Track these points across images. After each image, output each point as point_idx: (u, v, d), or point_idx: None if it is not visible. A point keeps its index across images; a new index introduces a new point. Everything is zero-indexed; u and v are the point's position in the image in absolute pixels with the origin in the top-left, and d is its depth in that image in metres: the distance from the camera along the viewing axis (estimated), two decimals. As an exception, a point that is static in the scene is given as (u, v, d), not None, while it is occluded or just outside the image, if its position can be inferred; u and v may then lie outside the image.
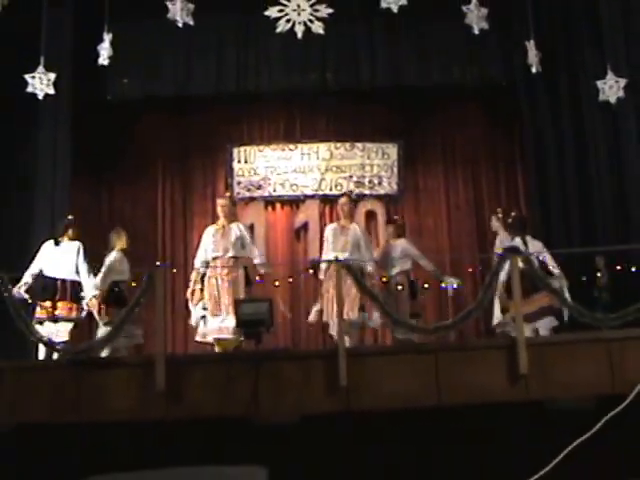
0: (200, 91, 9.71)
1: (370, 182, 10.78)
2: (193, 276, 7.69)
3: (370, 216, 10.71)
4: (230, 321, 7.04)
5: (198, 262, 7.80)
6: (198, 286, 7.56)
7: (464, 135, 10.99)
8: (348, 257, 7.44)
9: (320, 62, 9.79)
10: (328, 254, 7.87)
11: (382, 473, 5.94)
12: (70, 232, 7.70)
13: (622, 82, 7.93)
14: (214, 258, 7.68)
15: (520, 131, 10.40)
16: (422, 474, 5.96)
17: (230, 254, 7.67)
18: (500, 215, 8.58)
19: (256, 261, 7.75)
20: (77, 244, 7.64)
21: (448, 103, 10.72)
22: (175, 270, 8.26)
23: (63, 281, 7.36)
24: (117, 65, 8.27)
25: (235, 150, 10.74)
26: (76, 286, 7.40)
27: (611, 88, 7.94)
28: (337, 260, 6.74)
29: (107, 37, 7.65)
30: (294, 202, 10.76)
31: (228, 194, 8.74)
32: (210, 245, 7.76)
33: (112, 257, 7.69)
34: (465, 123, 10.96)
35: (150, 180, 10.70)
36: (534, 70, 8.02)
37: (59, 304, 7.23)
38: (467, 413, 5.80)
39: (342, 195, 8.68)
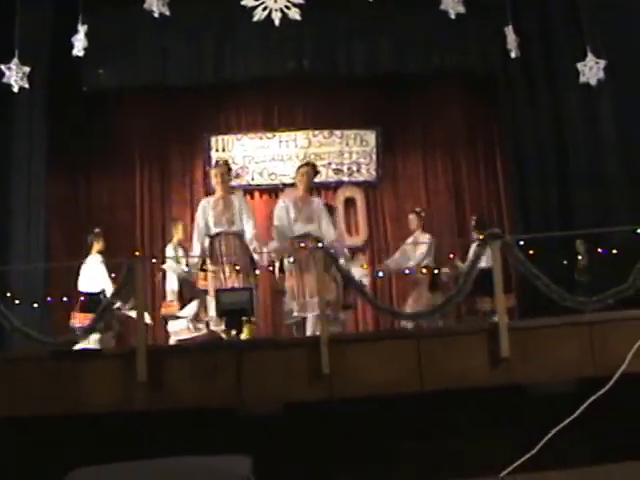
0: (177, 80, 9.61)
1: (349, 169, 10.78)
2: (194, 261, 7.17)
3: (349, 203, 10.72)
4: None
5: (197, 245, 7.10)
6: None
7: (443, 120, 11.00)
8: (312, 232, 7.10)
9: (297, 49, 9.71)
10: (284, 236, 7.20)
11: (366, 460, 5.95)
12: (95, 245, 8.13)
13: (602, 63, 7.93)
14: (217, 234, 7.06)
15: (498, 115, 10.42)
16: (406, 460, 5.97)
17: (235, 228, 7.08)
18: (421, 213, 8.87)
19: (249, 239, 7.09)
20: (98, 258, 7.96)
21: (427, 88, 10.73)
22: (155, 260, 8.17)
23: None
24: (92, 56, 8.19)
25: (213, 139, 10.70)
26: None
27: (591, 70, 7.94)
28: (321, 247, 6.67)
29: (82, 28, 7.59)
30: (273, 191, 10.75)
31: (224, 160, 7.92)
32: (210, 219, 7.09)
33: None
34: (444, 108, 10.98)
35: (128, 170, 10.63)
36: (513, 55, 8.03)
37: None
38: (450, 398, 5.81)
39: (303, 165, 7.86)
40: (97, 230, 8.32)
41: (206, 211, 7.15)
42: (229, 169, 7.49)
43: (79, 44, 7.55)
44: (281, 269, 7.32)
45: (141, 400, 5.66)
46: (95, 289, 7.88)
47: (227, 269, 6.98)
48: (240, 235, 7.12)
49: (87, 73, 9.19)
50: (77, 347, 6.41)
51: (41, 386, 5.68)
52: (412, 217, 9.01)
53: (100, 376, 5.70)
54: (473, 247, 8.34)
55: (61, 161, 10.00)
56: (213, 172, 7.42)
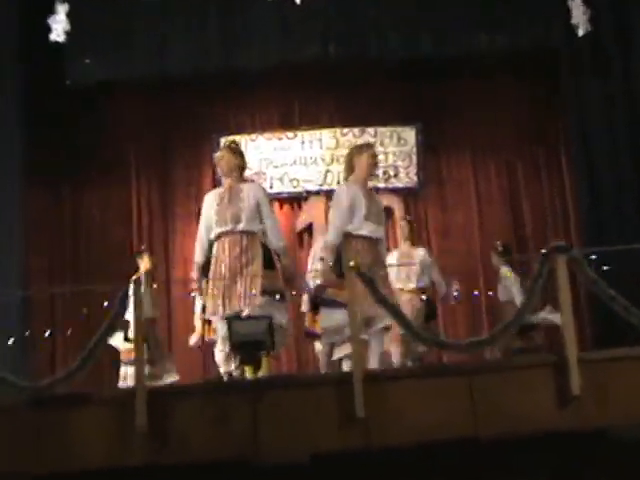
0: (179, 71, 9.67)
1: (385, 173, 10.77)
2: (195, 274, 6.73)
3: (386, 213, 10.64)
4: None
5: (199, 252, 6.71)
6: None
7: (495, 115, 10.97)
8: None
9: (321, 32, 9.74)
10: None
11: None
12: (141, 265, 8.29)
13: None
14: (218, 236, 6.59)
15: (563, 107, 10.35)
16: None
17: (241, 227, 6.52)
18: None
19: (274, 244, 6.59)
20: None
21: (475, 77, 10.70)
22: (156, 285, 8.20)
23: None
24: (76, 42, 8.23)
25: (222, 140, 10.68)
26: None
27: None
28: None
29: (61, 8, 7.55)
30: (295, 200, 10.78)
31: (229, 141, 7.42)
32: (212, 217, 6.64)
33: None
34: (496, 100, 10.95)
35: (123, 178, 10.70)
36: (581, 32, 7.94)
37: None
38: (510, 445, 5.74)
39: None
40: (143, 247, 8.43)
41: (210, 207, 6.72)
42: (237, 153, 6.80)
43: (59, 27, 7.58)
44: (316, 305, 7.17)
45: (141, 453, 5.63)
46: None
47: (237, 283, 6.49)
48: (250, 233, 6.56)
49: (70, 63, 9.24)
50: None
51: (17, 440, 5.66)
52: (403, 224, 9.03)
53: (91, 426, 5.67)
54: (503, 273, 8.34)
55: (41, 169, 10.08)
56: (215, 156, 6.92)
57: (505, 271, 8.54)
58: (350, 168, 6.87)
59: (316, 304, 7.22)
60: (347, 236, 6.64)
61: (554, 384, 5.70)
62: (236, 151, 6.84)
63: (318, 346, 7.67)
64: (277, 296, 6.62)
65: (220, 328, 6.67)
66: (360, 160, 6.82)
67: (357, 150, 6.97)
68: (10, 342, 7.42)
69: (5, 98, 9.01)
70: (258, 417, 5.65)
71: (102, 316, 6.39)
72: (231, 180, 6.71)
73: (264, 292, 6.52)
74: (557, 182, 10.87)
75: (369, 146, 7.21)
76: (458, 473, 5.90)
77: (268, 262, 6.59)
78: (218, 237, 6.60)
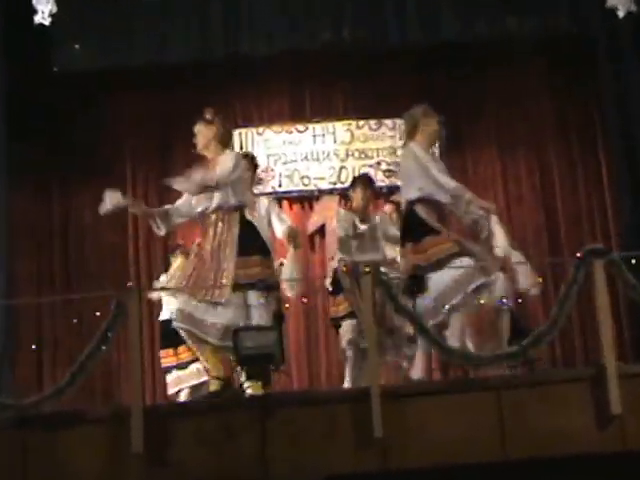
0: (179, 58, 9.69)
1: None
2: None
3: (405, 214, 10.67)
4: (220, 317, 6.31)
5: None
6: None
7: (525, 106, 10.96)
8: None
9: (334, 15, 9.75)
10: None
11: None
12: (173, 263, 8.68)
13: None
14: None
15: (600, 97, 10.32)
16: None
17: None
18: None
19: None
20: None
21: (502, 63, 10.70)
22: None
23: None
24: (64, 26, 8.23)
25: (227, 135, 10.74)
26: None
27: None
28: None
29: (47, -13, 7.59)
30: (306, 199, 10.78)
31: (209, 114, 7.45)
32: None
33: None
34: (526, 89, 10.95)
35: (117, 178, 10.68)
36: (621, 14, 7.91)
37: (180, 348, 8.36)
38: (542, 469, 5.72)
39: None
40: (180, 242, 8.93)
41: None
42: (224, 128, 6.83)
43: (44, 9, 7.58)
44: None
45: (136, 477, 5.64)
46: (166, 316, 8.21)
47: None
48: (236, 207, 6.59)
49: (59, 49, 9.25)
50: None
51: (2, 463, 5.68)
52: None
53: (82, 447, 5.68)
54: None
55: (27, 167, 10.11)
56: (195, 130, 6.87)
57: None
58: (413, 132, 6.86)
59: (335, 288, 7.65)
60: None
61: (592, 401, 5.67)
62: (227, 129, 6.94)
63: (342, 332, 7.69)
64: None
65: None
66: (428, 126, 6.86)
67: (425, 113, 6.98)
68: None
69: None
70: (267, 437, 5.66)
71: (95, 326, 6.43)
72: (209, 154, 6.78)
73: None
74: (595, 180, 10.83)
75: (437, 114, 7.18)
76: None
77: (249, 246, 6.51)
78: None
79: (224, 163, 6.54)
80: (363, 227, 7.74)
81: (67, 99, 10.22)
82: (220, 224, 6.48)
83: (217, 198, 6.51)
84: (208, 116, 6.80)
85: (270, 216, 7.37)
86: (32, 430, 5.77)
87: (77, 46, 9.19)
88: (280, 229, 7.34)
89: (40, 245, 10.40)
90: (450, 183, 6.51)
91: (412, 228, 6.50)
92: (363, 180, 8.22)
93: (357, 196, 7.92)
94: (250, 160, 7.44)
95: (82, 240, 10.36)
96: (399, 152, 10.64)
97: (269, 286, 6.43)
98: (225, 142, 6.79)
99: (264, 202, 7.58)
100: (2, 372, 8.22)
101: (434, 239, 6.37)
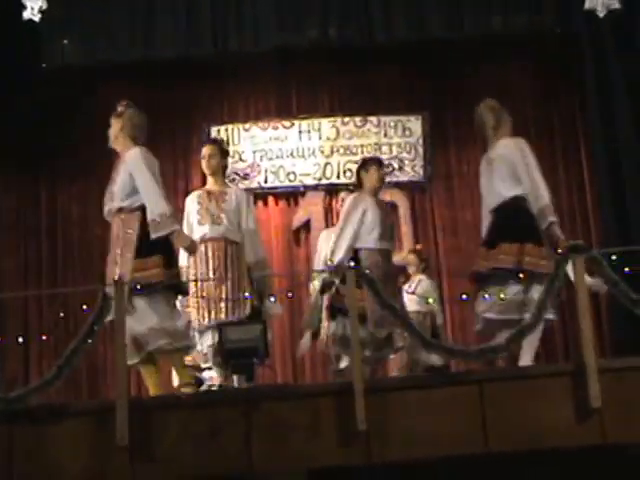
0: (166, 55, 9.67)
1: (388, 167, 10.74)
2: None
3: (390, 210, 10.66)
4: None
5: (183, 255, 6.77)
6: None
7: (508, 104, 10.87)
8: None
9: (321, 14, 9.76)
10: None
11: None
12: None
13: None
14: (200, 239, 6.87)
15: (583, 97, 10.34)
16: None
17: (223, 231, 6.90)
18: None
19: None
20: None
21: (486, 61, 10.71)
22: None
23: None
24: (53, 21, 8.22)
25: (214, 130, 10.75)
26: None
27: None
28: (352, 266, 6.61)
29: (37, -17, 7.57)
30: (292, 195, 10.79)
31: (221, 139, 7.79)
32: (194, 217, 7.01)
33: None
34: (509, 88, 10.91)
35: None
36: (601, 14, 7.93)
37: None
38: (523, 462, 5.74)
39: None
40: None
41: (192, 207, 7.06)
42: (225, 152, 7.29)
43: (34, 5, 7.57)
44: None
45: (121, 470, 5.63)
46: None
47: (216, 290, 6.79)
48: (231, 241, 6.93)
49: (48, 45, 9.24)
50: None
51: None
52: (411, 258, 9.27)
53: (68, 440, 5.68)
54: None
55: (13, 162, 10.07)
56: (203, 152, 7.22)
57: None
58: (498, 125, 6.95)
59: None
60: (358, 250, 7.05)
61: (572, 395, 5.69)
62: (227, 153, 7.30)
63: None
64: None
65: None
66: (506, 119, 6.99)
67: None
68: None
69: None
70: (251, 431, 5.66)
71: (81, 320, 6.43)
72: (216, 180, 7.11)
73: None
74: (576, 177, 10.84)
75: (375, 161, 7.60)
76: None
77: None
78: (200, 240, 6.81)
79: (132, 161, 6.38)
80: (379, 212, 7.31)
81: (55, 95, 10.18)
82: (121, 225, 6.32)
83: (117, 199, 6.37)
84: (119, 108, 6.76)
85: (240, 209, 7.08)
86: (19, 423, 5.76)
87: (65, 42, 9.17)
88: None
89: (27, 240, 10.37)
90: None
91: (531, 226, 6.45)
92: (376, 160, 7.88)
93: (371, 176, 7.43)
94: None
95: (68, 235, 10.33)
96: (383, 149, 10.75)
97: (171, 287, 6.21)
98: (133, 136, 6.63)
99: (238, 194, 7.25)
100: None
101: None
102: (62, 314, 8.29)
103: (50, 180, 10.63)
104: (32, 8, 7.51)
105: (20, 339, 7.65)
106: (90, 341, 6.22)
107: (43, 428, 5.73)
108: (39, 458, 5.64)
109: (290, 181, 10.74)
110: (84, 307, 7.42)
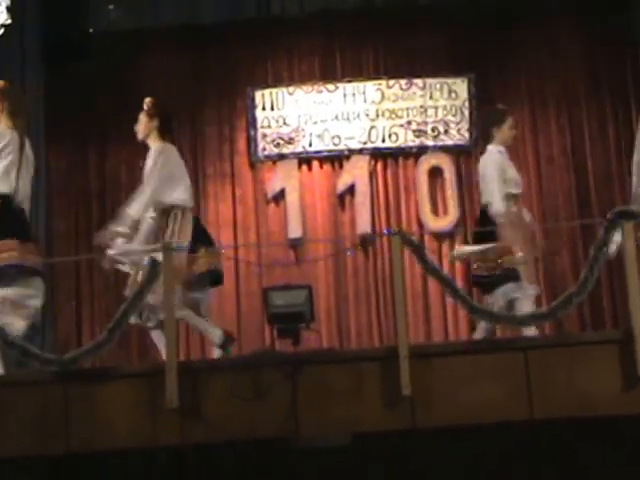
0: (210, 19, 9.72)
1: (434, 130, 10.75)
2: None
3: (435, 174, 10.68)
4: None
5: None
6: None
7: (557, 64, 10.87)
8: None
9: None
10: None
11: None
12: None
13: None
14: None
15: (634, 58, 10.23)
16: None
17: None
18: None
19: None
20: None
21: (534, 22, 10.62)
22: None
23: None
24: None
25: (258, 94, 10.77)
26: None
27: None
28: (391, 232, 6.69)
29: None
30: (336, 159, 10.79)
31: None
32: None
33: None
34: (558, 48, 10.85)
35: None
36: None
37: None
38: (568, 429, 5.77)
39: None
40: None
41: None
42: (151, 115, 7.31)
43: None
44: None
45: (171, 432, 5.74)
46: None
47: None
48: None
49: (94, 11, 9.32)
50: None
51: (42, 417, 5.80)
52: None
53: (117, 403, 5.79)
54: None
55: (63, 128, 10.22)
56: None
57: None
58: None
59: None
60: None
61: (619, 363, 5.69)
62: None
63: None
64: None
65: None
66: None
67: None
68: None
69: (21, 50, 9.08)
70: (297, 394, 5.74)
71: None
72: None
73: None
74: (627, 139, 10.72)
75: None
76: (511, 457, 5.95)
77: None
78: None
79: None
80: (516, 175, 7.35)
81: (102, 60, 10.28)
82: None
83: None
84: (149, 106, 7.20)
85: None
86: (73, 384, 5.89)
87: (111, 7, 9.24)
88: None
89: (78, 204, 10.51)
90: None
91: None
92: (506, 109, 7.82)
93: (505, 130, 7.38)
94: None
95: (117, 199, 10.42)
96: (429, 112, 10.73)
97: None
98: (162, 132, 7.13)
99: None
100: (43, 327, 8.35)
101: None
102: (112, 277, 8.40)
103: (99, 145, 10.74)
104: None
105: (73, 302, 7.77)
106: (140, 304, 6.37)
107: (96, 390, 5.86)
108: (92, 418, 5.78)
109: (335, 145, 10.74)
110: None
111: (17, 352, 6.31)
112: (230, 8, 9.57)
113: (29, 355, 6.24)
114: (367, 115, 10.74)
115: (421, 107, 10.77)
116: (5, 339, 6.20)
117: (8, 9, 7.44)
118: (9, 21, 7.59)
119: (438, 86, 10.82)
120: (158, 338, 6.88)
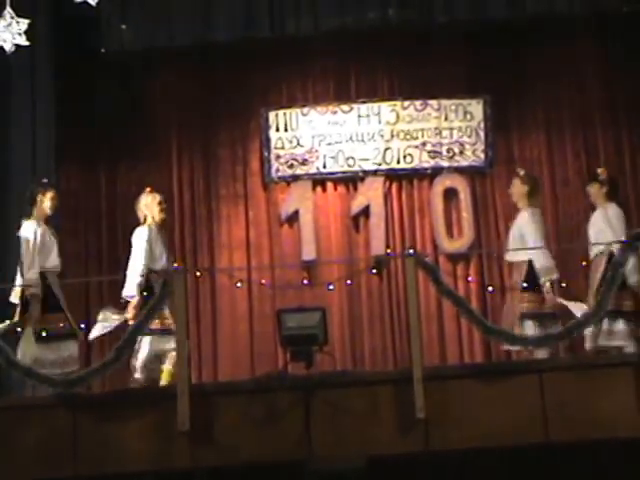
0: (224, 38, 9.76)
1: (449, 151, 10.76)
2: None
3: (450, 195, 10.69)
4: None
5: None
6: None
7: (573, 86, 10.88)
8: None
9: (380, -5, 9.79)
10: None
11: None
12: None
13: None
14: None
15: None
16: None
17: None
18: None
19: None
20: None
21: (550, 43, 10.63)
22: (199, 273, 8.32)
23: None
24: (113, 7, 8.30)
25: (272, 115, 10.81)
26: None
27: None
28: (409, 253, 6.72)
29: (96, -32, 7.62)
30: (350, 180, 10.79)
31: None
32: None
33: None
34: (574, 69, 10.86)
35: (162, 157, 10.82)
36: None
37: None
38: (584, 452, 5.77)
39: None
40: None
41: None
42: None
43: (91, -11, 7.61)
44: None
45: (183, 454, 5.78)
46: None
47: None
48: None
49: (107, 30, 9.38)
50: None
51: (51, 441, 5.82)
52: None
53: (129, 425, 5.82)
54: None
55: (75, 147, 10.29)
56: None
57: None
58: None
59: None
60: None
61: (635, 385, 5.70)
62: None
63: None
64: None
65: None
66: None
67: None
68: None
69: (36, 74, 9.15)
70: (310, 417, 5.76)
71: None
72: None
73: None
74: (643, 166, 10.75)
75: None
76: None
77: None
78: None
79: None
80: None
81: (114, 80, 10.36)
82: None
83: None
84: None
85: None
86: (82, 409, 5.91)
87: (124, 27, 9.28)
88: None
89: (87, 225, 10.55)
90: None
91: None
92: None
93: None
94: None
95: (127, 220, 10.49)
96: (444, 133, 10.75)
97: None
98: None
99: None
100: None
101: None
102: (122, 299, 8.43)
103: (110, 165, 10.79)
104: (90, -7, 7.58)
105: (82, 324, 7.81)
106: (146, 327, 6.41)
107: (106, 413, 5.89)
108: (102, 443, 5.80)
109: (349, 166, 10.75)
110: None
111: (21, 373, 6.36)
112: (243, 27, 9.58)
113: (33, 376, 6.29)
114: (382, 136, 10.75)
115: (436, 128, 10.78)
116: (9, 360, 6.25)
117: (25, 32, 7.51)
118: (27, 43, 7.63)
119: (453, 107, 10.83)
120: None
